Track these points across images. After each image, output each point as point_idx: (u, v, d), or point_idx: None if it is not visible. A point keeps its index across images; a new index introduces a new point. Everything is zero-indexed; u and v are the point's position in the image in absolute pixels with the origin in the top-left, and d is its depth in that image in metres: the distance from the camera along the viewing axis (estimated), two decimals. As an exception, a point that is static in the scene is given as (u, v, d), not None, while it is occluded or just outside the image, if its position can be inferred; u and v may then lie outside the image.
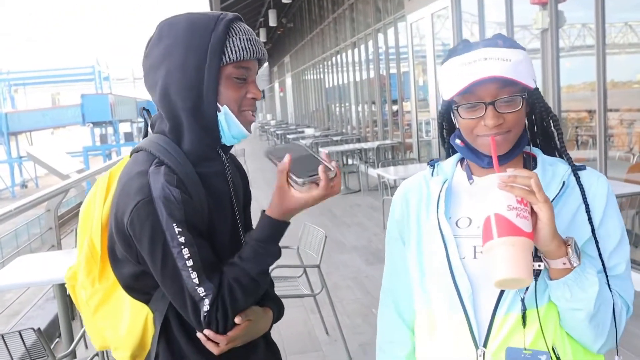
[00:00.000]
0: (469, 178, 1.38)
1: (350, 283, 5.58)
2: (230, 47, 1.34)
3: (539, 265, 1.17)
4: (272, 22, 18.15)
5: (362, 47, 13.17)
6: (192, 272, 1.27)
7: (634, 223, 4.78)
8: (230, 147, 1.46)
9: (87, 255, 1.41)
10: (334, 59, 16.47)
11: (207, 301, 1.28)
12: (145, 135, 1.48)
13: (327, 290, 4.11)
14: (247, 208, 1.60)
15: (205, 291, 1.28)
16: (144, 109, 1.51)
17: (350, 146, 11.94)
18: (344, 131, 15.96)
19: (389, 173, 7.13)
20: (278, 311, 1.56)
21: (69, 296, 4.81)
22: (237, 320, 1.33)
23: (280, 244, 1.39)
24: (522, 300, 1.23)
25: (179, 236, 1.26)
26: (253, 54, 1.37)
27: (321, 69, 18.81)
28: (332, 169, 1.27)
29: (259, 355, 1.50)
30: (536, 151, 1.38)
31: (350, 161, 13.01)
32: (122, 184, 1.33)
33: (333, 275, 5.76)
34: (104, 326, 1.45)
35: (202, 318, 1.29)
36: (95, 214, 1.40)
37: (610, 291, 1.24)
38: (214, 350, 1.34)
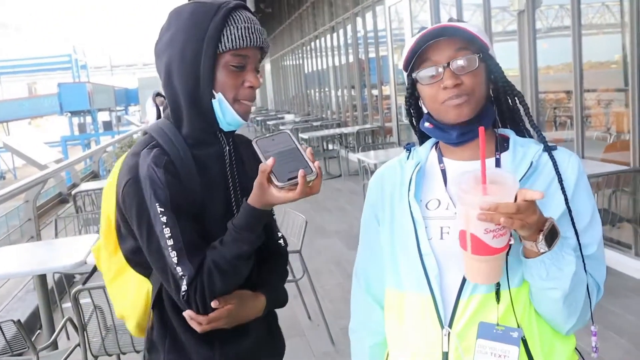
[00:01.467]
0: (439, 161, 1.40)
1: (332, 267, 5.59)
2: (227, 35, 1.37)
3: (511, 240, 1.15)
4: (250, 7, 18.00)
5: (341, 31, 13.12)
6: (171, 252, 1.32)
7: (611, 202, 4.83)
8: (234, 131, 1.50)
9: (105, 230, 1.49)
10: (312, 44, 16.39)
11: (185, 281, 1.33)
12: (159, 118, 1.54)
13: (308, 275, 4.12)
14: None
15: (182, 271, 1.33)
16: (158, 93, 1.58)
17: (331, 131, 11.92)
18: (323, 116, 15.93)
19: (369, 157, 7.13)
20: (276, 299, 1.59)
21: (51, 288, 4.76)
22: (213, 304, 1.36)
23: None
24: None
25: (160, 216, 1.32)
26: (251, 42, 1.38)
27: (300, 54, 18.72)
28: (314, 170, 1.29)
29: (251, 340, 1.53)
30: (509, 132, 1.38)
31: (330, 146, 13.00)
32: (122, 164, 1.41)
33: (315, 260, 5.76)
34: (117, 296, 1.55)
35: (180, 297, 1.34)
36: (112, 193, 1.46)
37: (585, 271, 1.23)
38: (197, 328, 1.40)
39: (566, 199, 1.25)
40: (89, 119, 37.04)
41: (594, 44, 5.40)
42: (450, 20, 1.34)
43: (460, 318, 1.26)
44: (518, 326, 1.23)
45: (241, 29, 1.38)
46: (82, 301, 2.88)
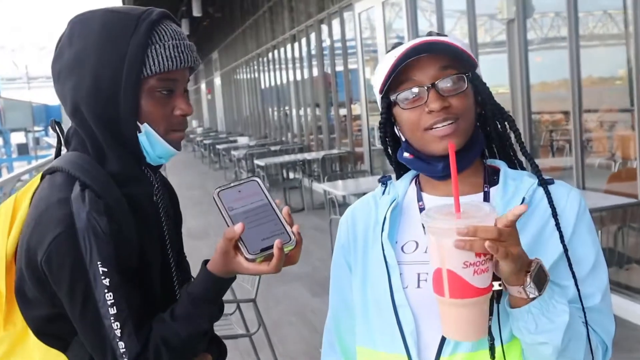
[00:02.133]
0: (419, 199, 1.40)
1: (293, 319, 5.55)
2: (152, 55, 1.32)
3: (499, 285, 1.15)
4: (197, 12, 18.01)
5: (303, 40, 13.24)
6: (114, 322, 1.26)
7: (617, 240, 4.92)
8: (159, 165, 1.46)
9: None
10: (270, 54, 16.50)
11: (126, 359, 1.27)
12: (59, 152, 1.46)
13: (265, 328, 4.07)
14: (179, 232, 1.62)
15: (125, 346, 1.27)
16: (54, 121, 1.48)
17: (292, 157, 11.94)
18: (283, 139, 15.98)
19: (337, 188, 7.16)
20: (219, 354, 1.56)
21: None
22: None
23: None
24: (489, 329, 1.22)
25: (103, 277, 1.26)
26: (181, 63, 1.35)
27: (256, 67, 18.81)
28: (292, 237, 1.26)
29: None
30: (499, 163, 1.40)
31: (291, 175, 13.00)
32: (38, 213, 1.31)
33: (272, 310, 5.72)
34: None
35: None
36: (7, 248, 1.36)
37: (586, 325, 1.23)
38: None
39: (562, 241, 1.25)
40: (-1, 141, 36.41)
41: (594, 57, 5.55)
42: (430, 34, 1.35)
43: None
44: None
45: (169, 47, 1.33)
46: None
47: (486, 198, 1.33)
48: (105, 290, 1.26)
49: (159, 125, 1.35)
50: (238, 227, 1.24)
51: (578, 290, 1.24)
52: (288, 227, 1.27)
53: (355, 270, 1.44)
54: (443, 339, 1.27)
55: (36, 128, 39.25)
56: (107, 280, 1.26)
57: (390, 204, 1.40)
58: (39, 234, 1.28)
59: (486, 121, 1.38)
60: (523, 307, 1.16)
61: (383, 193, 1.46)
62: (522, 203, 1.28)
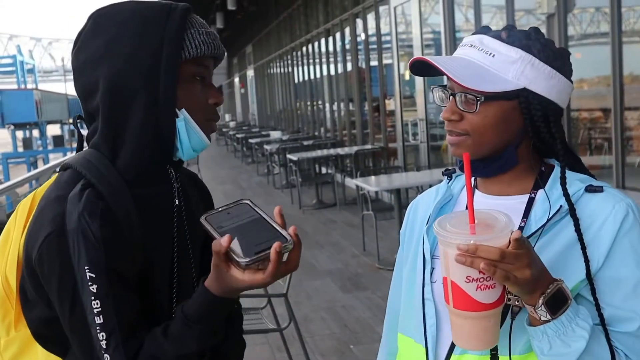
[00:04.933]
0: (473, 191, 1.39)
1: (323, 314, 5.55)
2: (189, 39, 1.32)
3: (517, 302, 1.15)
4: (231, 5, 18.11)
5: (338, 35, 13.21)
6: (99, 333, 1.21)
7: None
8: (181, 163, 1.43)
9: (1, 296, 1.35)
10: (304, 48, 16.50)
11: None
12: (80, 150, 1.43)
13: (295, 323, 4.08)
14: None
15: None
16: (78, 117, 1.44)
17: (324, 152, 11.93)
18: (316, 134, 15.97)
19: (370, 184, 7.12)
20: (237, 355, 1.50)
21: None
22: None
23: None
24: None
25: (90, 283, 1.21)
26: (214, 49, 1.35)
27: (289, 61, 18.83)
28: (288, 239, 1.18)
29: None
30: (557, 164, 1.36)
31: (324, 170, 13.01)
32: (38, 210, 1.29)
33: (303, 305, 5.73)
34: None
35: None
36: (11, 246, 1.34)
37: (614, 350, 1.18)
38: None
39: (585, 256, 1.20)
40: (36, 132, 36.96)
41: (635, 53, 5.45)
42: (501, 33, 1.31)
43: None
44: None
45: (203, 33, 1.34)
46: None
47: (530, 203, 1.31)
48: (92, 298, 1.20)
49: (196, 113, 1.34)
50: (224, 239, 1.17)
51: (600, 314, 1.19)
52: (283, 231, 1.19)
53: (407, 259, 1.49)
54: None
55: (71, 120, 39.76)
56: (94, 287, 1.20)
57: (442, 198, 1.43)
58: (35, 231, 1.26)
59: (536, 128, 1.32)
60: (539, 327, 1.14)
61: (449, 185, 1.47)
62: (559, 210, 1.25)
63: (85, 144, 1.42)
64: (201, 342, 1.25)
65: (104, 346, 1.21)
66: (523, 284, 1.08)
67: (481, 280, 1.08)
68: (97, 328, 1.21)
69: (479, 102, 1.25)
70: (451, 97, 1.29)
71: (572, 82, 1.33)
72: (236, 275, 1.19)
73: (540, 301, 1.10)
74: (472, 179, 1.40)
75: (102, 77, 1.30)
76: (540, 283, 1.10)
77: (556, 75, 1.29)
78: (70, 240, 1.21)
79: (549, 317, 1.11)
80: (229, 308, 1.27)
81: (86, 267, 1.21)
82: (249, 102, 30.01)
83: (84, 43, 1.33)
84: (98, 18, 1.34)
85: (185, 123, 1.33)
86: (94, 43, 1.31)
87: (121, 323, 1.22)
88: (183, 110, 1.32)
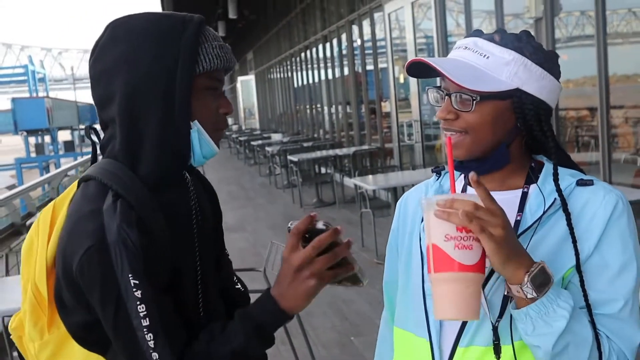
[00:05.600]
0: (463, 190, 1.40)
1: (325, 309, 5.55)
2: (203, 54, 1.32)
3: (518, 292, 1.15)
4: (232, 14, 18.08)
5: (335, 41, 13.21)
6: (147, 334, 1.23)
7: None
8: (193, 168, 1.45)
9: (32, 302, 1.35)
10: (302, 54, 16.50)
11: None
12: (94, 160, 1.43)
13: (298, 317, 4.06)
14: (219, 230, 1.59)
15: (159, 357, 1.24)
16: (90, 127, 1.45)
17: (324, 153, 11.93)
18: (315, 136, 15.97)
19: (367, 183, 7.13)
20: None
21: (0, 333, 4.67)
22: None
23: (245, 265, 1.35)
24: (495, 329, 1.23)
25: (135, 290, 1.23)
26: (226, 62, 1.35)
27: (289, 67, 18.84)
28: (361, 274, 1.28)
29: None
30: (546, 160, 1.37)
31: (323, 170, 13.00)
32: (72, 223, 1.29)
33: (306, 300, 5.71)
34: None
35: None
36: (37, 255, 1.35)
37: (597, 332, 1.18)
38: None
39: (575, 246, 1.21)
40: (47, 138, 36.98)
41: (619, 54, 5.46)
42: (494, 35, 1.31)
43: None
44: None
45: (216, 47, 1.34)
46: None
47: (524, 198, 1.31)
48: (138, 302, 1.23)
49: (207, 124, 1.35)
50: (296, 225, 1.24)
51: (585, 296, 1.20)
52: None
53: (400, 254, 1.48)
54: (461, 330, 1.28)
55: (81, 126, 39.74)
56: (139, 292, 1.23)
57: (435, 193, 1.42)
58: (72, 245, 1.26)
59: (528, 125, 1.32)
60: (522, 310, 1.15)
61: (437, 182, 1.47)
62: (553, 204, 1.26)
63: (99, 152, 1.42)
64: (258, 345, 1.29)
65: (152, 346, 1.23)
66: (498, 244, 1.08)
67: (459, 239, 1.09)
68: (144, 330, 1.23)
69: (474, 102, 1.25)
70: (446, 97, 1.29)
71: (560, 83, 1.34)
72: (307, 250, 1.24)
73: (526, 279, 1.11)
74: (463, 177, 1.42)
75: (118, 88, 1.29)
76: (520, 258, 1.12)
77: (547, 76, 1.29)
78: (112, 252, 1.22)
79: (534, 294, 1.12)
80: (288, 320, 1.31)
81: (130, 275, 1.22)
82: (251, 106, 30.01)
83: (101, 53, 1.33)
84: (115, 29, 1.33)
85: (198, 134, 1.34)
86: (111, 54, 1.31)
87: (164, 323, 1.25)
88: (196, 121, 1.33)
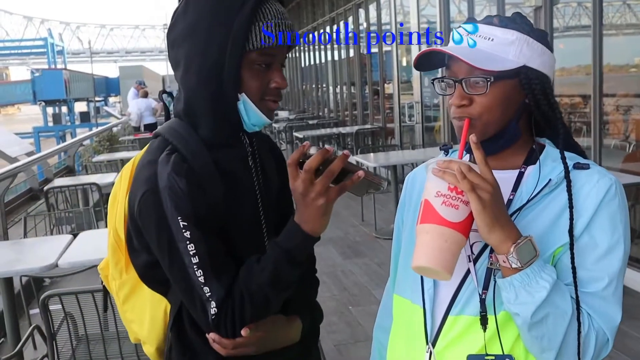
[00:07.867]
0: None
1: (324, 278, 5.58)
2: (255, 32, 1.33)
3: (504, 261, 1.16)
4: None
5: (342, 23, 13.12)
6: (197, 270, 1.30)
7: (631, 216, 4.85)
8: (256, 132, 1.48)
9: (113, 245, 1.46)
10: (310, 36, 16.40)
11: (213, 304, 1.30)
12: (167, 118, 1.52)
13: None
14: (286, 188, 1.59)
15: (211, 291, 1.30)
16: (164, 91, 1.57)
17: (328, 131, 11.90)
18: (320, 114, 15.93)
19: (369, 160, 7.13)
20: (312, 320, 1.57)
21: (18, 292, 4.71)
22: (243, 332, 1.33)
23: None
24: (482, 301, 1.25)
25: (184, 230, 1.30)
26: (280, 40, 1.36)
27: (296, 47, 18.71)
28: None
29: None
30: (548, 143, 1.36)
31: (327, 146, 12.97)
32: (135, 173, 1.39)
33: (307, 270, 5.75)
34: (131, 318, 1.52)
35: (210, 320, 1.32)
36: (119, 204, 1.44)
37: (579, 309, 1.18)
38: (222, 352, 1.37)
39: (571, 225, 1.21)
40: (64, 109, 36.90)
41: (613, 45, 5.42)
42: (492, 19, 1.31)
43: (444, 337, 1.29)
44: (506, 354, 1.23)
45: (271, 26, 1.34)
46: (51, 308, 2.86)
47: (520, 177, 1.31)
48: (187, 242, 1.29)
49: (255, 96, 1.37)
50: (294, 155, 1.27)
51: (574, 274, 1.20)
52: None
53: (405, 227, 1.49)
54: (453, 299, 1.29)
55: (97, 98, 39.71)
56: (188, 233, 1.29)
57: None
58: (134, 191, 1.36)
59: (537, 103, 1.32)
60: (506, 279, 1.17)
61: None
62: (547, 184, 1.26)
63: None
64: (290, 269, 1.31)
65: (202, 281, 1.30)
66: (483, 206, 1.11)
67: (448, 197, 1.13)
68: (194, 267, 1.30)
69: (489, 83, 1.24)
70: (457, 84, 1.28)
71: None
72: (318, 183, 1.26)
73: (512, 249, 1.13)
74: (468, 158, 1.40)
75: (181, 58, 1.37)
76: (507, 228, 1.14)
77: (546, 51, 1.30)
78: (163, 196, 1.30)
79: (519, 264, 1.14)
80: (314, 241, 1.32)
81: (179, 217, 1.29)
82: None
83: (175, 22, 1.39)
84: (189, 0, 1.37)
85: (244, 104, 1.37)
86: (181, 23, 1.37)
87: (213, 261, 1.31)
88: (243, 94, 1.36)
